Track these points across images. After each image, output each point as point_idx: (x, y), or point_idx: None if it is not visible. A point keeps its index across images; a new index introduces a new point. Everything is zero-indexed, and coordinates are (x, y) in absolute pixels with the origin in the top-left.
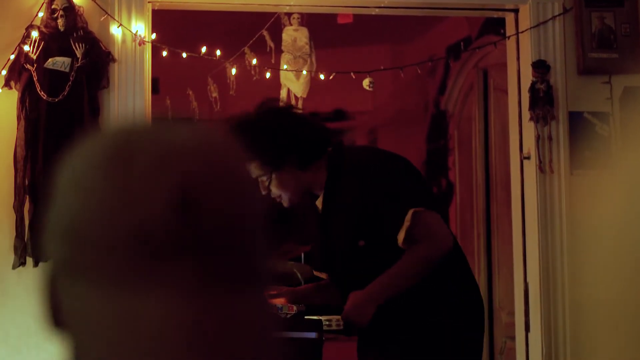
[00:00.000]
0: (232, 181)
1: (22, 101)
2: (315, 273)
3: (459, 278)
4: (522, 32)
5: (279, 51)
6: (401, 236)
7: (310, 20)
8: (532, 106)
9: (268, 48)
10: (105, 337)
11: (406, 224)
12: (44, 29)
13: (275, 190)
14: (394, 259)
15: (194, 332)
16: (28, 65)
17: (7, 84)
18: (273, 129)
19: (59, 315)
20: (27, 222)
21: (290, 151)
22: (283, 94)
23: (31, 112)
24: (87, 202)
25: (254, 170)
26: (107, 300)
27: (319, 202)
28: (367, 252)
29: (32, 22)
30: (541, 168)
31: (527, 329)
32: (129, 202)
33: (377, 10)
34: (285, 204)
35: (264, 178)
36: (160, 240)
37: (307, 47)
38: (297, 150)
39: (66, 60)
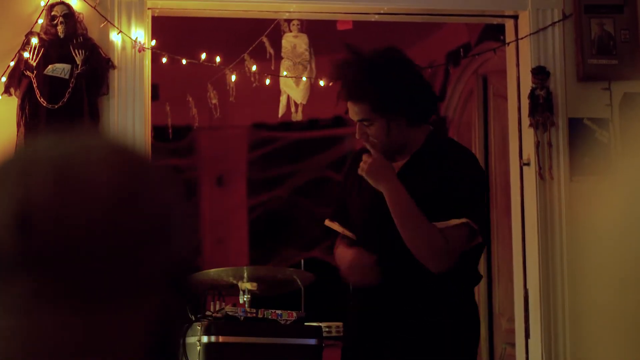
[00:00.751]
0: (86, 196)
1: (22, 108)
2: (343, 230)
3: (459, 279)
4: (522, 38)
5: (278, 58)
6: (439, 224)
7: (309, 27)
8: (532, 112)
9: (268, 55)
10: None
11: (449, 223)
12: (43, 36)
13: (371, 137)
14: None
15: (26, 352)
16: (28, 72)
17: (6, 91)
18: (399, 75)
19: None
20: None
21: (406, 103)
22: (283, 100)
23: (31, 118)
24: None
25: (360, 112)
26: None
27: (396, 167)
28: None
29: (32, 28)
30: (541, 174)
31: (527, 335)
32: None
33: (376, 16)
34: (373, 152)
35: (366, 122)
36: (3, 255)
37: (307, 53)
38: (411, 105)
39: (66, 66)
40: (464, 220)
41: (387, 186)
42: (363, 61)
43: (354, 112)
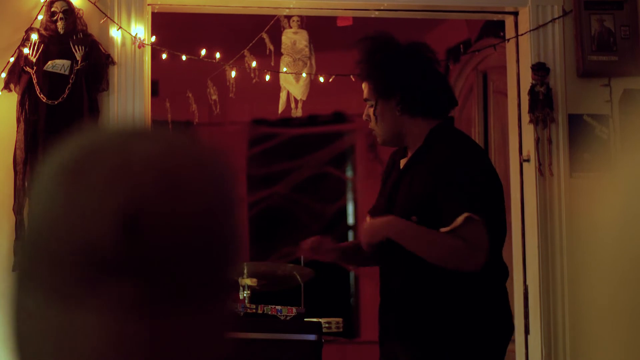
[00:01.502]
0: (188, 198)
1: (21, 104)
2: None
3: (477, 277)
4: (522, 34)
5: (278, 54)
6: (447, 229)
7: (309, 23)
8: (532, 109)
9: (268, 51)
10: (46, 350)
11: (455, 223)
12: (43, 32)
13: (374, 122)
14: None
15: (129, 351)
16: (28, 68)
17: (6, 87)
18: (409, 60)
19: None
20: (26, 224)
21: (408, 89)
22: (283, 96)
23: (31, 114)
24: (41, 213)
25: (365, 91)
26: (51, 313)
27: (403, 161)
28: None
29: (31, 24)
30: (541, 171)
31: (526, 331)
32: (77, 215)
33: (376, 13)
34: (378, 141)
35: (369, 103)
36: (104, 256)
37: (307, 49)
38: (414, 92)
39: (66, 62)
40: (466, 215)
41: (388, 233)
42: (379, 44)
43: (364, 91)
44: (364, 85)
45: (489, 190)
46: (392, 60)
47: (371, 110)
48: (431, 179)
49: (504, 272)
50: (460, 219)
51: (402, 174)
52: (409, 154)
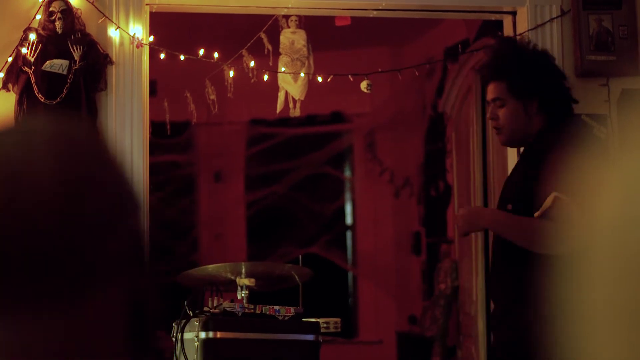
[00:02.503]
0: (30, 189)
1: (19, 103)
2: None
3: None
4: (520, 34)
5: (276, 54)
6: (538, 213)
7: (308, 23)
8: None
9: (266, 50)
10: None
11: (545, 205)
12: (41, 32)
13: (502, 120)
14: None
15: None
16: (26, 68)
17: (4, 87)
18: (540, 63)
19: None
20: None
21: (541, 88)
22: (281, 96)
23: (29, 114)
24: None
25: (495, 90)
26: None
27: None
28: None
29: (29, 24)
30: None
31: None
32: None
33: (374, 12)
34: (502, 142)
35: (499, 102)
36: None
37: (305, 49)
38: (546, 91)
39: (64, 62)
40: (554, 195)
41: (486, 225)
42: (510, 44)
43: (490, 91)
44: (494, 85)
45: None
46: (531, 62)
47: (501, 110)
48: (528, 168)
49: None
50: (549, 200)
51: (513, 169)
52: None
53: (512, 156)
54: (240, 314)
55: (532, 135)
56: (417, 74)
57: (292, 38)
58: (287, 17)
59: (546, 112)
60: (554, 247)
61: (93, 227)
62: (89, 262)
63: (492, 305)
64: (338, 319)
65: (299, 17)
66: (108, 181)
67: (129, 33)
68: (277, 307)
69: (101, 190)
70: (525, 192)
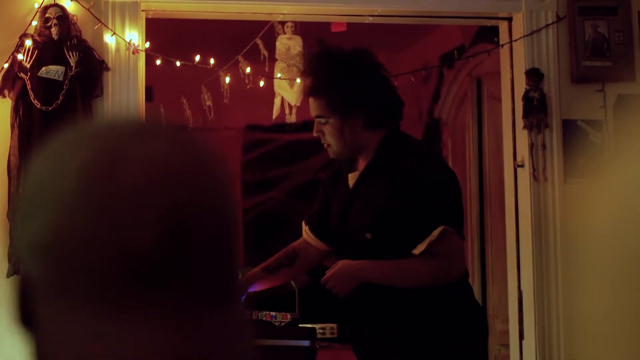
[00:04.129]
0: (219, 200)
1: (15, 110)
2: (311, 238)
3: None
4: (516, 40)
5: (272, 60)
6: (421, 247)
7: (303, 29)
8: (526, 114)
9: (262, 56)
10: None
11: (431, 237)
12: (37, 38)
13: (327, 137)
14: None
15: (178, 358)
16: (22, 74)
17: (0, 93)
18: (360, 76)
19: (31, 327)
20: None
21: (364, 104)
22: (277, 102)
23: (25, 120)
24: (67, 218)
25: (317, 108)
26: (91, 323)
27: (352, 176)
28: (370, 246)
29: (25, 30)
30: (535, 176)
31: (521, 336)
32: (114, 221)
33: (370, 18)
34: (332, 155)
35: (322, 120)
36: (148, 264)
37: (301, 55)
38: (368, 107)
39: (60, 68)
40: (441, 228)
41: (362, 279)
42: (328, 58)
43: (312, 107)
44: (313, 101)
45: (454, 196)
46: (348, 76)
47: (326, 127)
48: (391, 196)
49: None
50: (435, 233)
51: (354, 191)
52: (360, 167)
53: (509, 162)
54: None
55: (370, 148)
56: (412, 80)
57: (288, 44)
58: (283, 23)
59: (376, 125)
60: (439, 283)
61: (235, 239)
62: (236, 271)
63: (488, 306)
64: (334, 325)
65: (295, 23)
66: (233, 192)
67: (125, 39)
68: (273, 313)
69: (233, 202)
70: (388, 220)
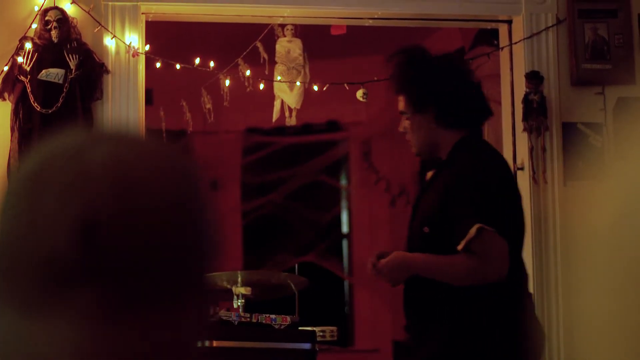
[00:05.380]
0: (148, 203)
1: (15, 112)
2: None
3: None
4: (516, 43)
5: (272, 62)
6: (461, 245)
7: (303, 32)
8: (526, 117)
9: (262, 59)
10: None
11: (469, 235)
12: (37, 41)
13: (408, 132)
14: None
15: (94, 358)
16: (22, 77)
17: (0, 96)
18: (442, 73)
19: None
20: None
21: (435, 101)
22: (277, 105)
23: (25, 123)
24: (3, 225)
25: (401, 104)
26: (14, 324)
27: (430, 174)
28: (427, 240)
29: (25, 33)
30: (535, 179)
31: None
32: (35, 226)
33: (370, 21)
34: (414, 151)
35: (405, 115)
36: (63, 267)
37: (301, 58)
38: (441, 106)
39: (60, 71)
40: (477, 226)
41: (408, 272)
42: (412, 57)
43: (399, 104)
44: (400, 99)
45: (501, 197)
46: (425, 73)
47: (407, 122)
48: (445, 192)
49: (520, 278)
50: (472, 231)
51: (425, 187)
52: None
53: (510, 164)
54: (236, 322)
55: (446, 148)
56: None
57: (288, 47)
58: (282, 26)
59: (449, 124)
60: (477, 282)
61: (196, 243)
62: (182, 277)
63: None
64: (334, 328)
65: (295, 26)
66: (204, 204)
67: (125, 42)
68: (273, 316)
69: (200, 212)
70: (442, 215)
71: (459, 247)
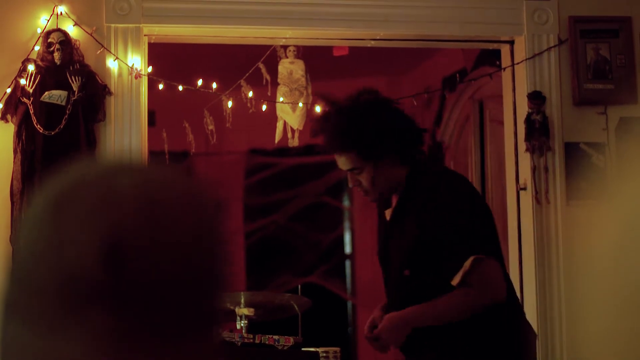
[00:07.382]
0: (171, 230)
1: (18, 134)
2: None
3: (506, 328)
4: (518, 63)
5: (275, 84)
6: (457, 279)
7: (306, 53)
8: (528, 137)
9: (264, 81)
10: None
11: (464, 269)
12: (40, 63)
13: (365, 185)
14: (434, 294)
15: None
16: (24, 99)
17: (3, 117)
18: (381, 117)
19: None
20: (13, 256)
21: (394, 143)
22: (279, 126)
23: (28, 145)
24: (26, 244)
25: (348, 162)
26: (34, 340)
27: (388, 212)
28: (409, 282)
29: (28, 55)
30: (537, 199)
31: None
32: (60, 247)
33: (372, 42)
34: (372, 200)
35: (356, 170)
36: (86, 286)
37: (303, 79)
38: (400, 143)
39: (62, 93)
40: (472, 258)
41: (415, 325)
42: (342, 111)
43: (341, 162)
44: (342, 156)
45: (478, 215)
46: (369, 123)
47: (362, 176)
48: (422, 231)
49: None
50: (467, 264)
51: (390, 227)
52: (393, 202)
53: (512, 185)
54: (239, 343)
55: (400, 183)
56: (415, 103)
57: (290, 68)
58: (285, 47)
59: (408, 161)
60: (480, 311)
61: (213, 269)
62: (201, 305)
63: None
64: (337, 349)
65: (297, 47)
66: (221, 234)
67: (127, 64)
68: (276, 337)
69: (219, 242)
70: (424, 256)
71: (454, 283)
